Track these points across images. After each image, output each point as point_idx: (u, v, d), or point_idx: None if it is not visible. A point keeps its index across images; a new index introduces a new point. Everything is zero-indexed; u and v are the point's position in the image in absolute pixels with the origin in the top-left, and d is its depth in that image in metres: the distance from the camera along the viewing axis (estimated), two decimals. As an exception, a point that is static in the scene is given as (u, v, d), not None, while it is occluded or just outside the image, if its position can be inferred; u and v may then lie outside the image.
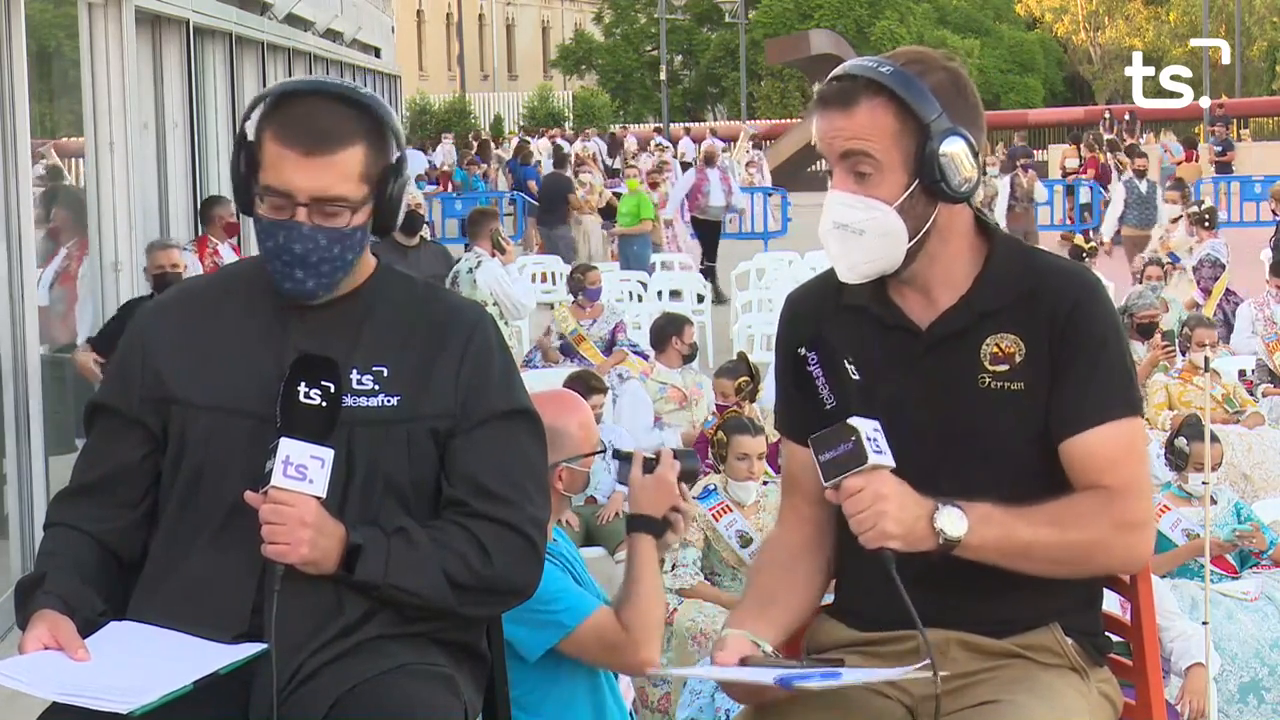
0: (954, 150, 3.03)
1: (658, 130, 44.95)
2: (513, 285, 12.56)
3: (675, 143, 38.86)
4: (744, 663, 3.04)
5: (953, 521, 2.97)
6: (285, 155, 3.12)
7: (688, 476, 4.13)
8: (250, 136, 3.19)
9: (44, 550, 3.21)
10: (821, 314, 3.19)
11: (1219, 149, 34.22)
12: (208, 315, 3.25)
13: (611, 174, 30.86)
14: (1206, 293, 13.92)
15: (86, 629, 3.07)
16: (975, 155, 3.05)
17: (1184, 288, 14.03)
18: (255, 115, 3.19)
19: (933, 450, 3.01)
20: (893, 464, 2.98)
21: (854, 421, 2.98)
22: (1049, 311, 3.08)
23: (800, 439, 3.19)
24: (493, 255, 12.48)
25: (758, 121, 46.01)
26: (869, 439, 2.97)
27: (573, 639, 4.02)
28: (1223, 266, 14.23)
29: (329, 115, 3.14)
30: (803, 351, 3.03)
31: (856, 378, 3.07)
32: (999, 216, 20.28)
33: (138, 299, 9.45)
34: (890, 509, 2.95)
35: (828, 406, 3.00)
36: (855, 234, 3.07)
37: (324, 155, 3.12)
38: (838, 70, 3.13)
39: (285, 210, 3.14)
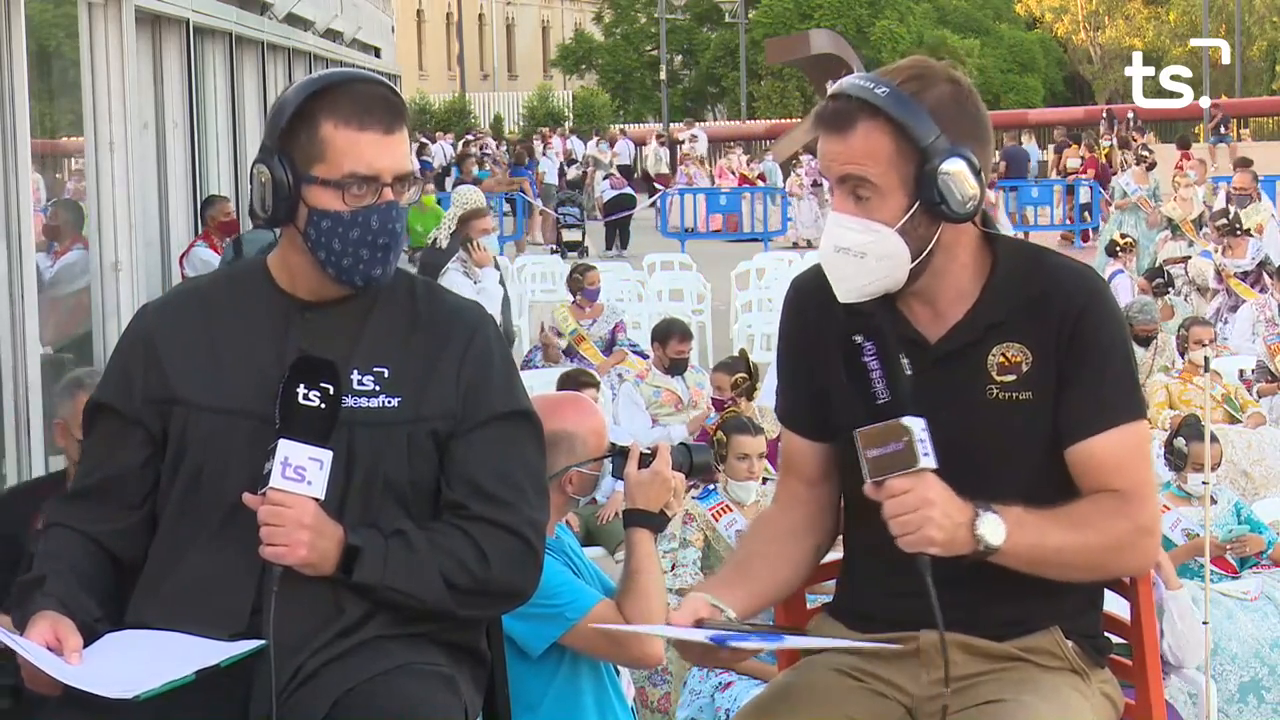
0: (955, 170, 2.99)
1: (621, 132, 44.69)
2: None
3: (674, 143, 38.53)
4: (699, 624, 3.03)
5: (993, 529, 2.94)
6: (365, 138, 3.11)
7: (701, 470, 4.14)
8: (300, 135, 3.11)
9: (43, 551, 3.20)
10: (829, 308, 3.13)
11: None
12: (210, 315, 3.24)
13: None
14: None
15: (84, 635, 3.05)
16: (978, 173, 3.01)
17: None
18: (285, 120, 3.11)
19: (941, 462, 2.96)
20: (935, 465, 2.94)
21: (907, 421, 2.93)
22: (1056, 315, 3.06)
23: (804, 430, 3.20)
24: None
25: (757, 121, 45.96)
26: (920, 440, 2.93)
27: (576, 632, 4.03)
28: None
29: (384, 95, 3.15)
30: (859, 340, 2.97)
31: (910, 373, 3.00)
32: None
33: None
34: (935, 515, 2.92)
35: (880, 400, 2.95)
36: (856, 257, 3.04)
37: (399, 132, 3.14)
38: (835, 88, 3.09)
39: (370, 194, 3.13)
